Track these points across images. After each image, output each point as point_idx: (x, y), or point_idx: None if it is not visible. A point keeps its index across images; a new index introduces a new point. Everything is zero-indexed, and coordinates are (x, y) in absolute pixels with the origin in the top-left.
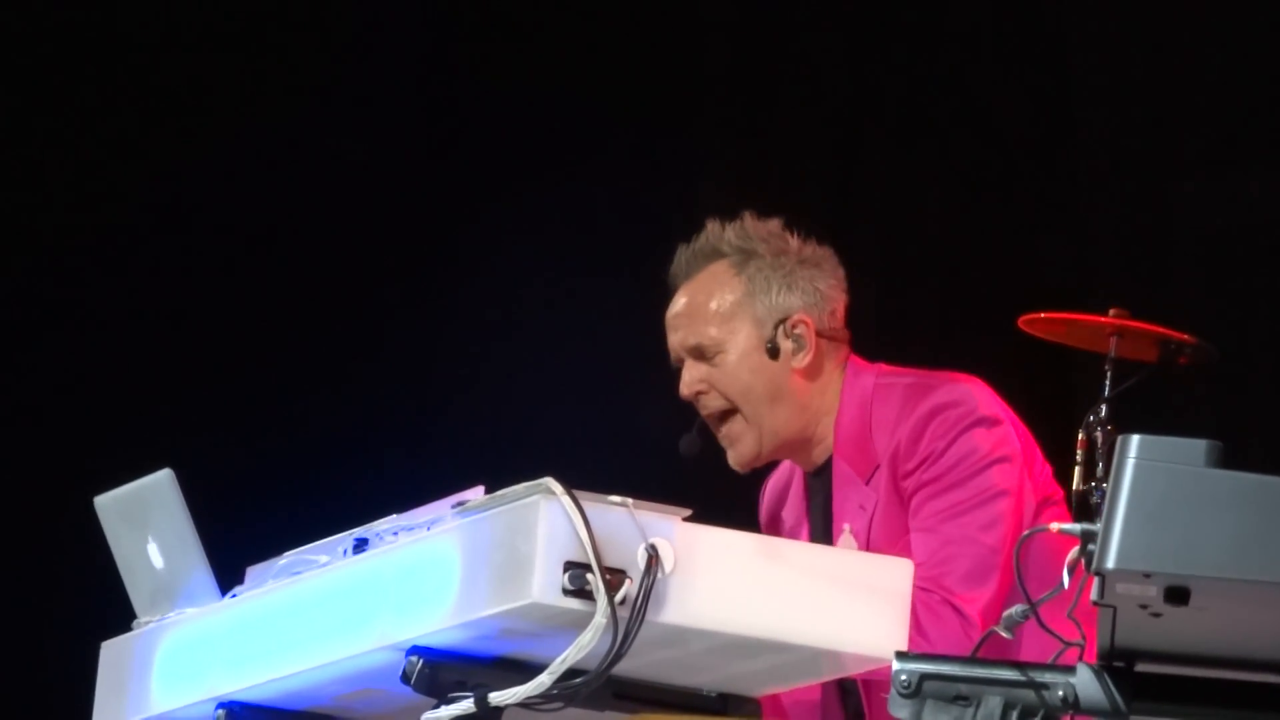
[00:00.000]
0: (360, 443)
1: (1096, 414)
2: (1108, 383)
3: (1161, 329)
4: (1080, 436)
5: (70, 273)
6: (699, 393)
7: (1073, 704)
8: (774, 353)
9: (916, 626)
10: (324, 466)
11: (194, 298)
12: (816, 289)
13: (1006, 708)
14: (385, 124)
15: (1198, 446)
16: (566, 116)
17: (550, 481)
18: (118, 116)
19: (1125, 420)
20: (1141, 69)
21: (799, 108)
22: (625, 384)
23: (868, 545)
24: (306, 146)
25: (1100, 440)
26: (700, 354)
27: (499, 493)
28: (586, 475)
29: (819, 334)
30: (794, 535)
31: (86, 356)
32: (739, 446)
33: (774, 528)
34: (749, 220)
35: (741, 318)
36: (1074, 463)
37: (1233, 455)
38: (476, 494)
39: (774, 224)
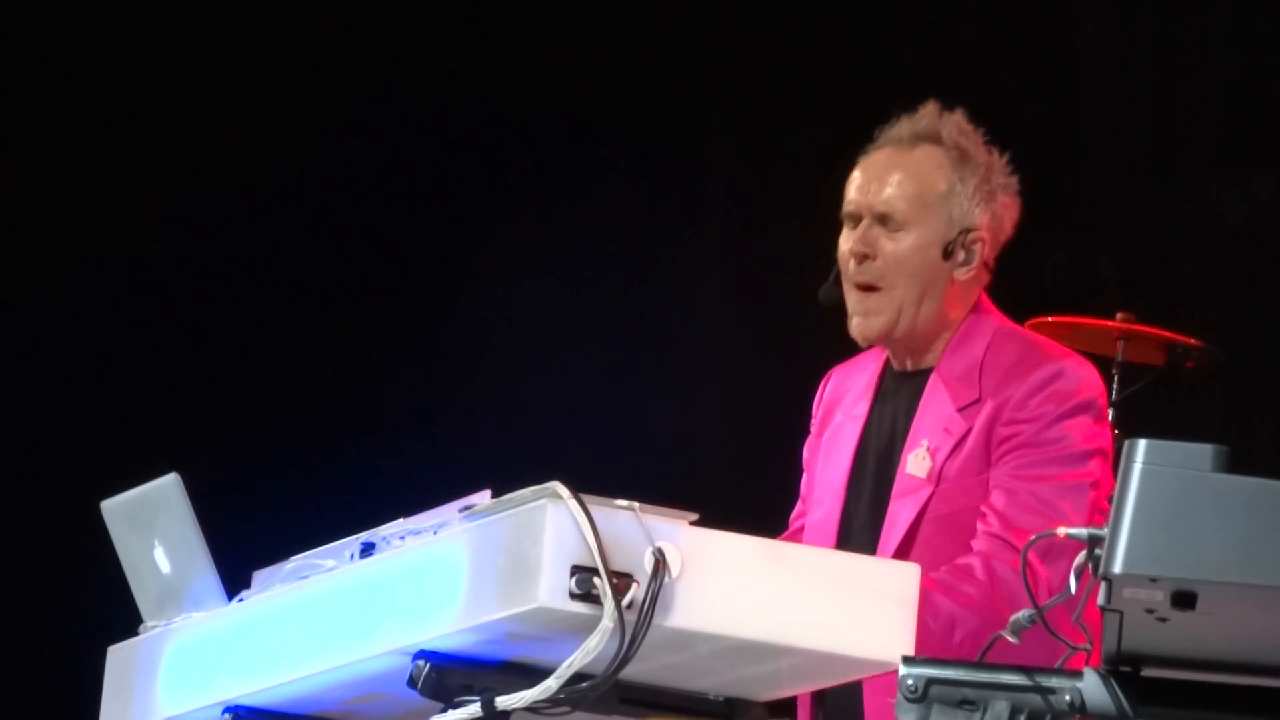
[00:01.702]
0: (367, 447)
1: None
2: (1115, 387)
3: (1168, 333)
4: None
5: (77, 277)
6: (865, 255)
7: (1079, 708)
8: (947, 255)
9: (989, 576)
10: (331, 471)
11: (201, 302)
12: (1001, 216)
13: (1013, 712)
14: (390, 128)
15: (1204, 451)
16: (572, 120)
17: (557, 485)
18: (125, 122)
19: (1132, 424)
20: (1148, 72)
21: (803, 113)
22: (632, 388)
23: (940, 469)
24: (314, 150)
25: None
26: (885, 220)
27: (506, 497)
28: (593, 479)
29: (984, 256)
30: (843, 429)
31: (93, 361)
32: (872, 320)
33: (826, 420)
34: (962, 119)
35: (937, 210)
36: None
37: (1239, 460)
38: (483, 498)
39: (980, 134)
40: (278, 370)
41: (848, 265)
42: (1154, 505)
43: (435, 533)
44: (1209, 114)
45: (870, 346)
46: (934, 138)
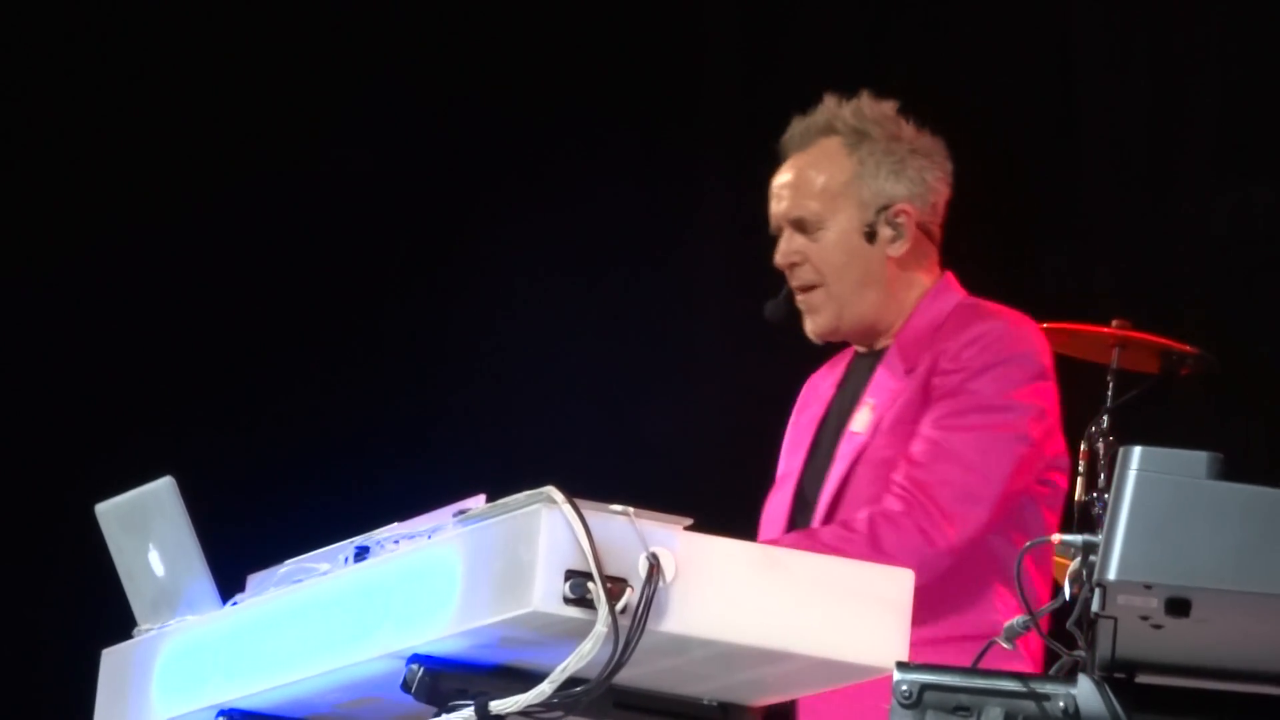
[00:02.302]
0: (362, 451)
1: (1098, 425)
2: (1110, 394)
3: (1163, 340)
4: (1082, 447)
5: (70, 279)
6: (793, 264)
7: (1074, 715)
8: (871, 237)
9: (870, 536)
10: (325, 474)
11: (195, 304)
12: (924, 179)
13: (1007, 718)
14: (387, 132)
15: (1199, 458)
16: (568, 122)
17: (551, 490)
18: (123, 126)
19: (1127, 431)
20: (1145, 80)
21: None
22: (627, 392)
23: (879, 421)
24: (310, 154)
25: (1102, 451)
26: (801, 226)
27: (500, 501)
28: (588, 484)
29: (919, 226)
30: (810, 416)
31: (89, 364)
32: (818, 317)
33: (799, 416)
34: (865, 101)
35: (847, 198)
36: (1075, 474)
37: (1234, 467)
38: (478, 502)
39: (889, 106)
40: (273, 374)
41: (788, 279)
42: (1149, 512)
43: (430, 537)
44: (1206, 122)
45: (826, 342)
46: (827, 129)
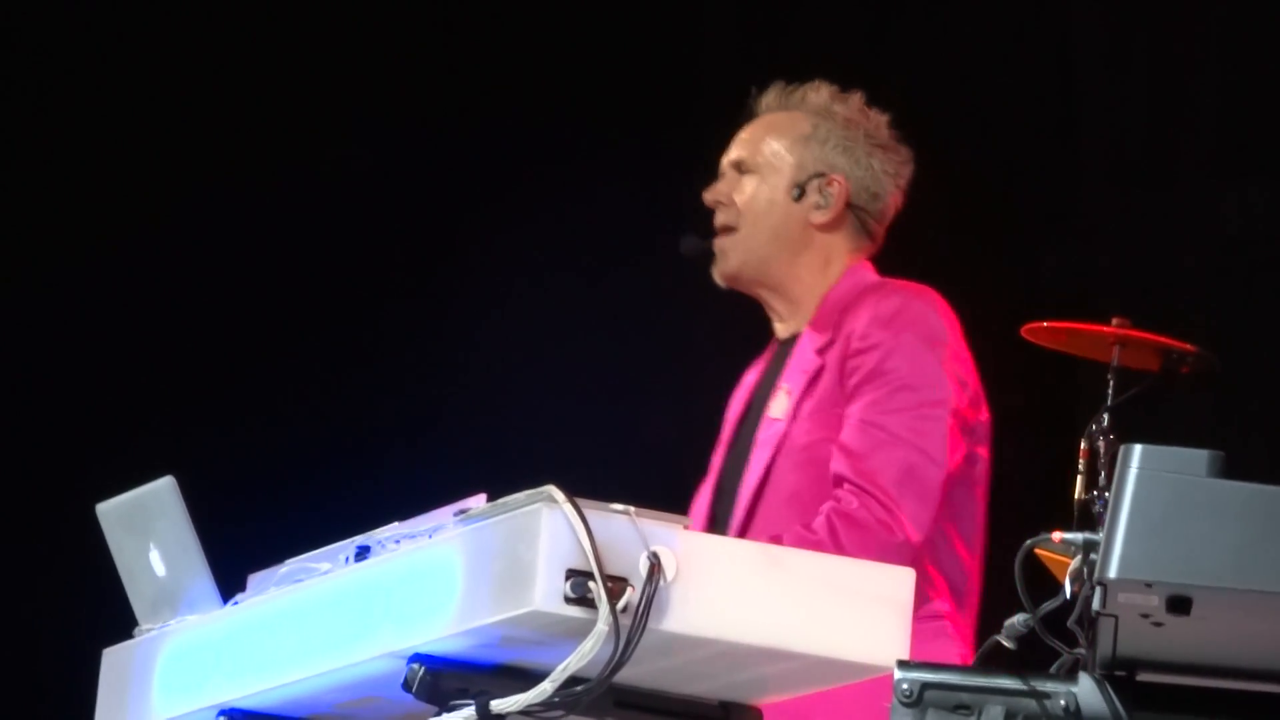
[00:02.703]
0: (362, 450)
1: (1099, 423)
2: (1110, 392)
3: (1164, 338)
4: (1082, 446)
5: (70, 279)
6: (719, 202)
7: (1074, 714)
8: (798, 197)
9: (831, 535)
10: (326, 474)
11: (197, 306)
12: (871, 165)
13: (1008, 717)
14: (387, 132)
15: (1200, 456)
16: (568, 122)
17: (552, 489)
18: (125, 126)
19: (1127, 430)
20: (1144, 77)
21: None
22: (628, 392)
23: (797, 406)
24: (310, 154)
25: (1102, 449)
26: (739, 166)
27: (501, 501)
28: (588, 483)
29: (850, 205)
30: (735, 410)
31: (88, 362)
32: (724, 260)
33: (729, 411)
34: (854, 99)
35: (788, 155)
36: (1076, 472)
37: (1235, 465)
38: (478, 502)
39: (877, 114)
40: (273, 374)
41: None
42: (1149, 510)
43: (430, 536)
44: (1205, 120)
45: (730, 287)
46: (800, 103)
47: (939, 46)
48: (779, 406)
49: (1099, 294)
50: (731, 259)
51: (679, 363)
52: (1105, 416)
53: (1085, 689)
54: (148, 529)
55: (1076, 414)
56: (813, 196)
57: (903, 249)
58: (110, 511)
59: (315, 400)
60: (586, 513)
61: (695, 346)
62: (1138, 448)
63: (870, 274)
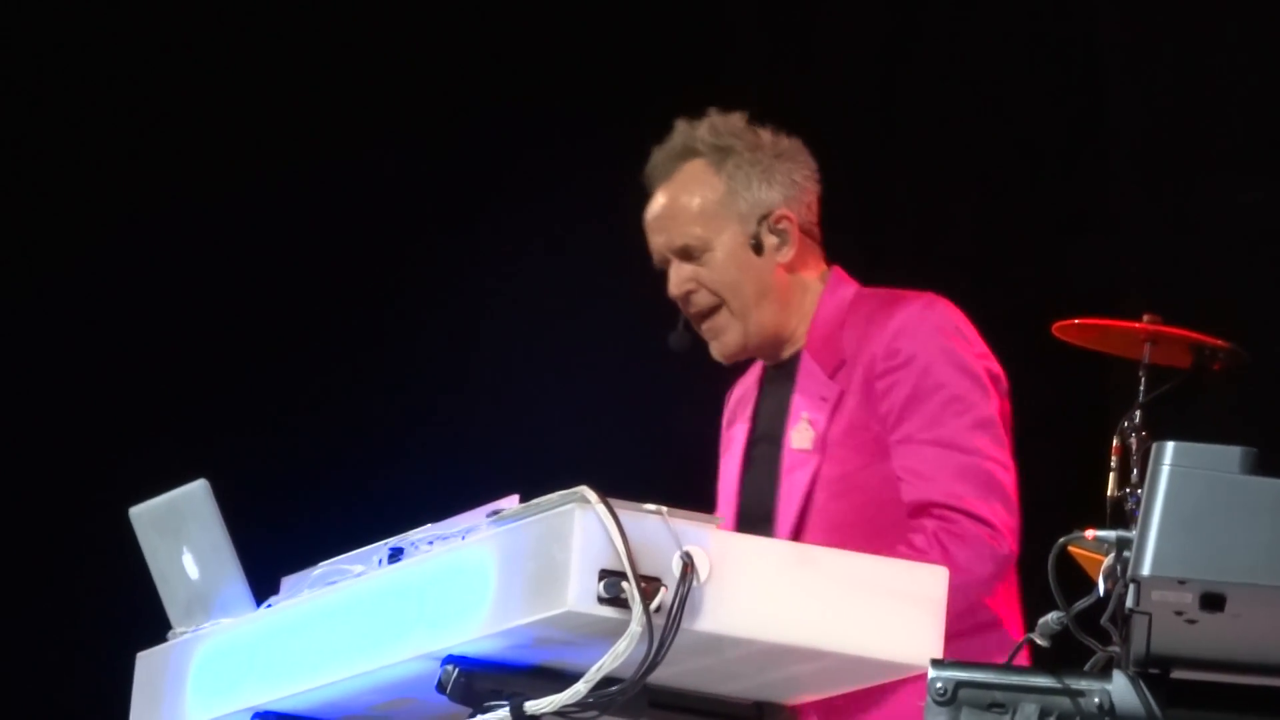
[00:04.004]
0: (394, 452)
1: (1130, 420)
2: (1141, 389)
3: (1195, 334)
4: (1114, 443)
5: (103, 282)
6: (688, 292)
7: (1109, 711)
8: (759, 249)
9: (944, 555)
10: (358, 476)
11: (230, 307)
12: (794, 181)
13: (1042, 715)
14: (407, 125)
15: (1232, 453)
16: (594, 119)
17: (585, 490)
18: (142, 123)
19: (1159, 427)
20: (1173, 72)
21: (827, 115)
22: (660, 390)
23: (824, 436)
24: (333, 153)
25: (1134, 447)
26: (687, 254)
27: (534, 501)
28: (621, 483)
29: (801, 228)
30: (737, 435)
31: (120, 366)
32: (724, 338)
33: (727, 431)
34: (716, 116)
35: (726, 216)
36: (1108, 469)
37: (1267, 462)
38: (511, 503)
39: (738, 118)
40: (306, 376)
41: (683, 309)
42: (1182, 507)
43: (463, 538)
44: (1233, 116)
45: (736, 362)
46: (688, 152)
47: (966, 45)
48: (802, 437)
49: (1129, 291)
50: (731, 335)
51: (711, 361)
52: (1137, 414)
53: (1119, 687)
54: (181, 532)
55: (1108, 412)
56: (770, 240)
57: (933, 249)
58: (143, 515)
59: (347, 402)
60: (619, 513)
61: None
62: (1170, 445)
63: (848, 281)
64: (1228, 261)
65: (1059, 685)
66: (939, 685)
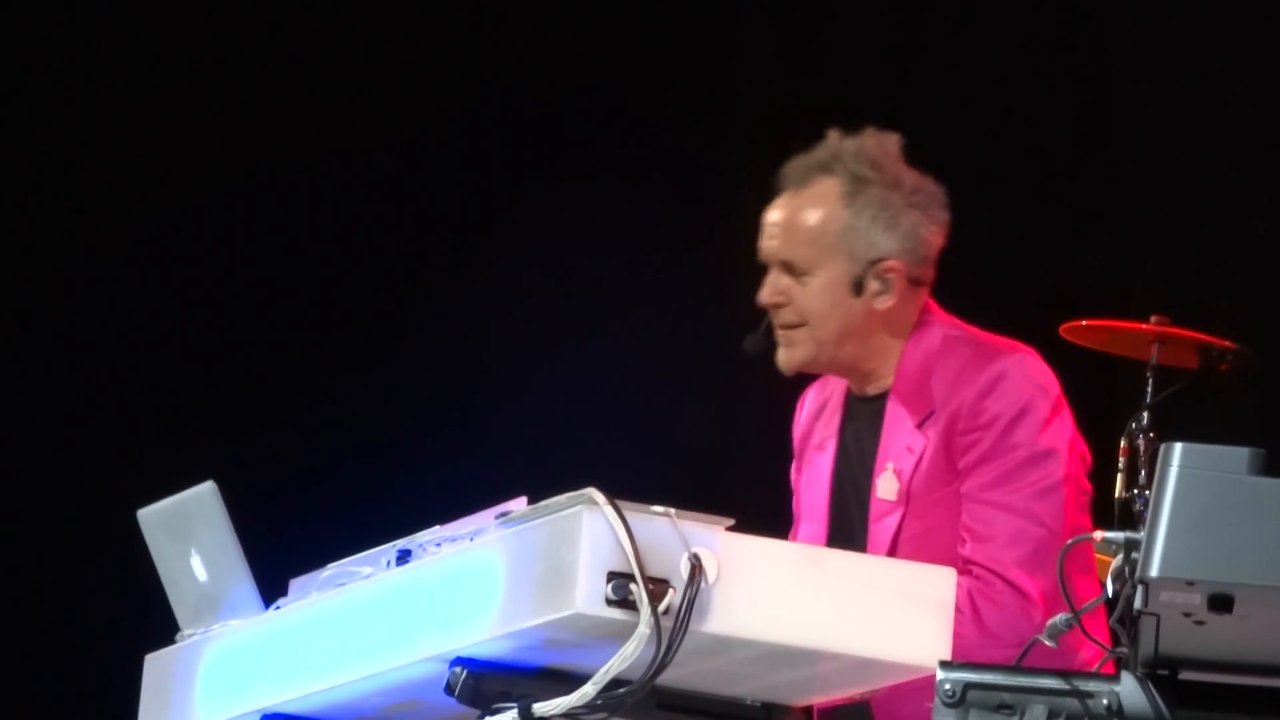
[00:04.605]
0: (402, 454)
1: (1138, 421)
2: (1149, 390)
3: (1203, 336)
4: (1122, 444)
5: (111, 285)
6: (777, 304)
7: (1117, 712)
8: (858, 290)
9: (974, 615)
10: (366, 478)
11: (237, 310)
12: (918, 234)
13: (1051, 716)
14: (422, 128)
15: (1240, 454)
16: (605, 120)
17: (593, 492)
18: (158, 131)
19: (1167, 428)
20: (1182, 74)
21: (838, 116)
22: (668, 393)
23: (908, 488)
24: (343, 154)
25: (1142, 448)
26: (789, 269)
27: (542, 503)
28: (629, 485)
29: (908, 279)
30: (818, 452)
31: (129, 369)
32: (794, 353)
33: (805, 441)
34: (870, 138)
35: (837, 248)
36: (1116, 471)
37: (1275, 463)
38: (519, 505)
39: (893, 143)
40: (313, 378)
41: (770, 313)
42: (1190, 509)
43: (471, 540)
44: (1242, 117)
45: (795, 375)
46: (828, 169)
47: (976, 45)
48: (888, 487)
49: (1137, 292)
50: (802, 352)
51: (719, 364)
52: (1145, 415)
53: (1127, 688)
54: (189, 534)
55: (1116, 413)
56: (872, 285)
57: (942, 250)
58: (151, 517)
59: (355, 404)
60: (627, 515)
61: (735, 348)
62: (1178, 446)
63: (939, 321)
64: (1235, 263)
65: (1067, 686)
66: (947, 687)
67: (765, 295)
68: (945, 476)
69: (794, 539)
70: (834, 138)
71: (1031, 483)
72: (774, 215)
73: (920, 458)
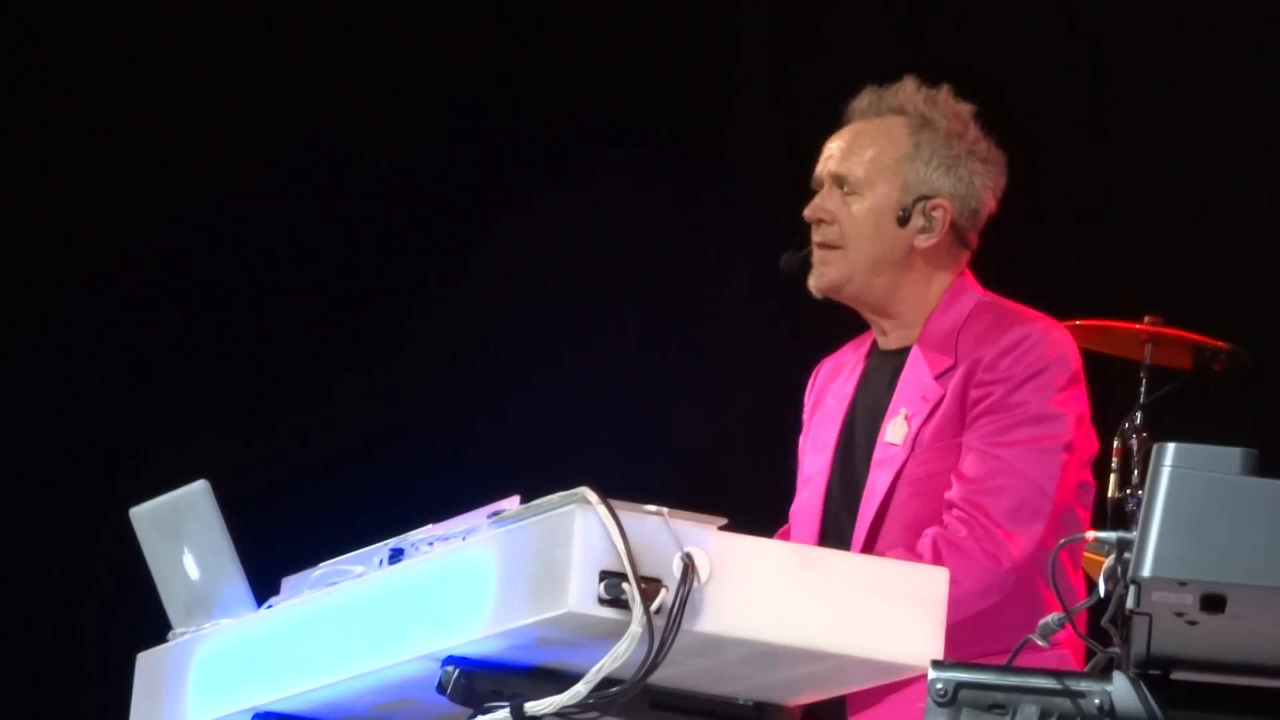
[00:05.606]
0: (395, 453)
1: (1131, 421)
2: (1142, 390)
3: (1196, 336)
4: (1115, 444)
5: (104, 284)
6: (821, 220)
7: (1109, 712)
8: (903, 221)
9: (935, 561)
10: (359, 476)
11: (229, 309)
12: (973, 182)
13: (1043, 716)
14: (417, 132)
15: (1233, 454)
16: (599, 123)
17: (586, 491)
18: (152, 129)
19: (1160, 428)
20: (1176, 74)
21: (833, 117)
22: (660, 393)
23: (916, 434)
24: (340, 154)
25: (1135, 448)
26: (840, 183)
27: (534, 502)
28: (621, 484)
29: (953, 224)
30: (831, 413)
31: (122, 367)
32: (826, 272)
33: (816, 407)
34: (944, 94)
35: (892, 175)
36: (1109, 470)
37: (1268, 463)
38: (512, 503)
39: (965, 107)
40: (306, 376)
41: (812, 229)
42: (1183, 508)
43: (464, 539)
44: (1237, 117)
45: (823, 297)
46: (898, 108)
47: (971, 46)
48: (897, 431)
49: (1131, 292)
50: (831, 274)
51: (712, 364)
52: (1138, 415)
53: (1120, 688)
54: (181, 532)
55: (1109, 412)
56: (917, 220)
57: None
58: (144, 515)
59: (348, 403)
60: (620, 514)
61: (728, 348)
62: (1171, 446)
63: (975, 289)
64: (1230, 263)
65: (1059, 686)
66: (939, 686)
67: (811, 209)
68: (954, 427)
69: (792, 509)
70: (909, 84)
71: (1031, 439)
72: (836, 141)
73: (935, 407)
